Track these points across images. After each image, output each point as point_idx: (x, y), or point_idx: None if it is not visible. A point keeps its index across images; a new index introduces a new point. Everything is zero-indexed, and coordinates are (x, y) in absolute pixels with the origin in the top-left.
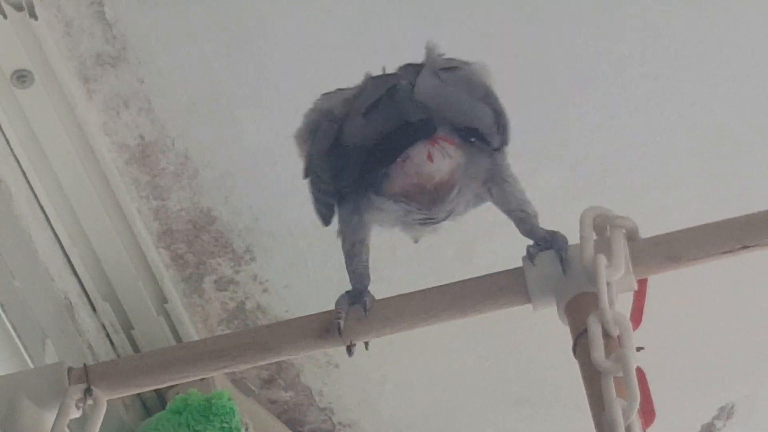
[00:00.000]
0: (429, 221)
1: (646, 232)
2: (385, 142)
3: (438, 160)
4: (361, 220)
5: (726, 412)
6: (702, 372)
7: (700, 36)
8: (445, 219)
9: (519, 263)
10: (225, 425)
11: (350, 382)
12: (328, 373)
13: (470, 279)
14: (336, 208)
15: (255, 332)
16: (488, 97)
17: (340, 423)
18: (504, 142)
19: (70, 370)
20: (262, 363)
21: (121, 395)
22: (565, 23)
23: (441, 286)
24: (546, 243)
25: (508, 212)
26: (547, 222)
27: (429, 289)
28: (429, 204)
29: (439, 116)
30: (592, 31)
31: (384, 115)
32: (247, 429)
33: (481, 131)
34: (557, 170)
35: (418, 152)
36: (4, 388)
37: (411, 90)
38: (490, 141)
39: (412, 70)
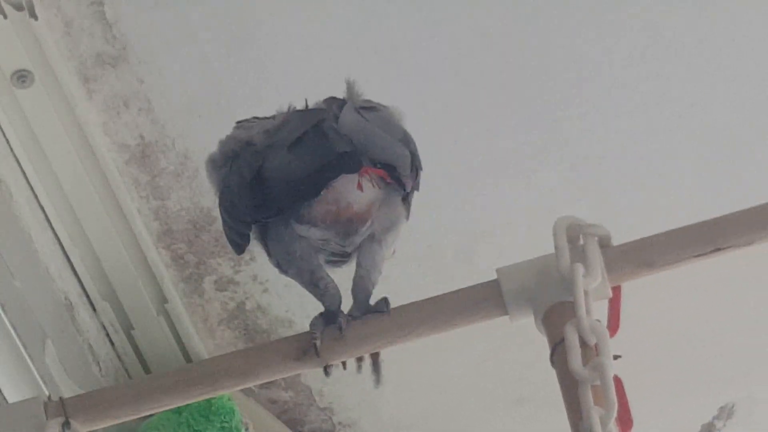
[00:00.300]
0: (340, 259)
1: (646, 233)
2: (313, 175)
3: (367, 189)
4: (301, 246)
5: (726, 412)
6: (702, 372)
7: (700, 36)
8: (351, 259)
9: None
10: (225, 425)
11: (350, 382)
12: None
13: (446, 293)
14: (257, 240)
15: (232, 358)
16: (406, 139)
17: (340, 423)
18: (415, 187)
19: (46, 404)
20: (241, 387)
21: (98, 427)
22: (565, 23)
23: (417, 302)
24: (368, 309)
25: (360, 266)
26: (546, 221)
27: (405, 306)
28: (345, 234)
29: (361, 151)
30: (592, 31)
31: (311, 149)
32: (247, 429)
33: (399, 170)
34: (557, 170)
35: (347, 181)
36: None
37: (335, 122)
38: (404, 183)
39: (334, 104)
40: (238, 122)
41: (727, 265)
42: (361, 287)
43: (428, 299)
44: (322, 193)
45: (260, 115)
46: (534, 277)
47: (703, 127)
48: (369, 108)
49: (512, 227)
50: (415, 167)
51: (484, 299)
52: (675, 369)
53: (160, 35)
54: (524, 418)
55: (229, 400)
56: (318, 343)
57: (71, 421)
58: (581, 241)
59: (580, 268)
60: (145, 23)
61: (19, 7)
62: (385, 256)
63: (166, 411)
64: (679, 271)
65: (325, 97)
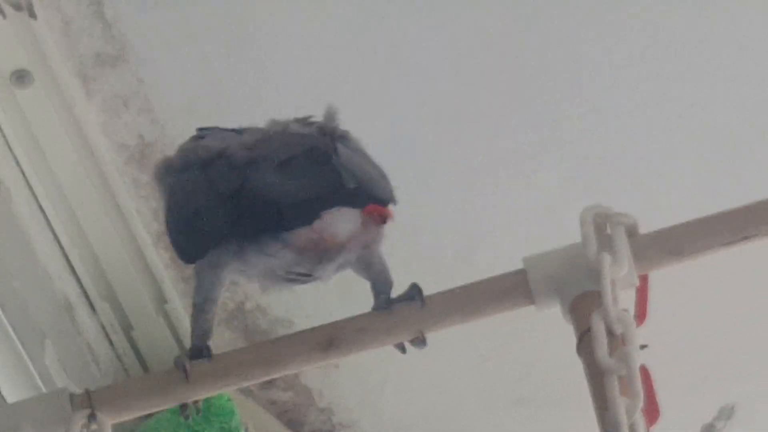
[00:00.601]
0: (304, 278)
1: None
2: (310, 201)
3: (370, 228)
4: (225, 272)
5: (726, 413)
6: (703, 372)
7: (700, 36)
8: (315, 280)
9: (518, 263)
10: (224, 426)
11: (350, 382)
12: (327, 373)
13: (473, 282)
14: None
15: (258, 349)
16: (384, 172)
17: (339, 423)
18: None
19: (72, 396)
20: (270, 378)
21: (125, 418)
22: (565, 23)
23: (445, 291)
24: (392, 300)
25: (371, 270)
26: (546, 221)
27: (434, 295)
28: (317, 261)
29: (362, 184)
30: (592, 31)
31: (311, 175)
32: (246, 429)
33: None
34: (557, 170)
35: (342, 213)
36: (7, 417)
37: (337, 155)
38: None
39: (326, 132)
40: (201, 129)
41: (727, 267)
42: (384, 285)
43: (456, 288)
44: (318, 221)
45: (260, 114)
46: (561, 266)
47: (703, 127)
48: (345, 138)
49: (512, 227)
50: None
51: (511, 288)
52: (675, 369)
53: (160, 35)
54: (525, 419)
55: (228, 400)
56: (188, 367)
57: (97, 413)
58: (608, 230)
59: (607, 257)
60: (144, 23)
61: (18, 7)
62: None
63: (166, 411)
64: (677, 270)
65: (302, 116)
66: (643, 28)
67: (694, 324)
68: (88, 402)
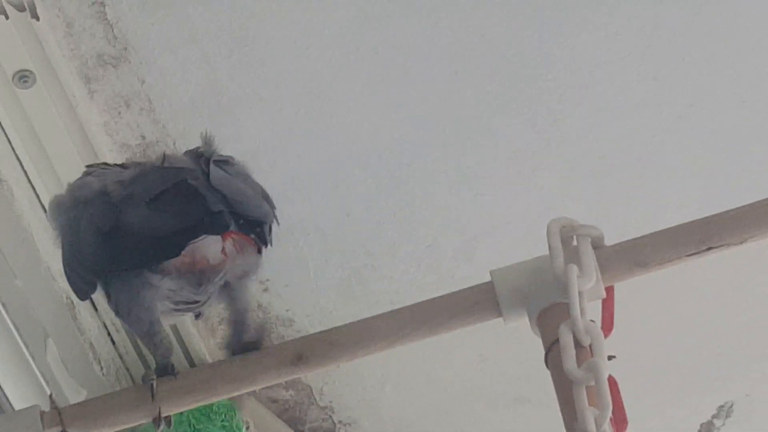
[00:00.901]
0: (193, 305)
1: (646, 232)
2: (176, 233)
3: (230, 253)
4: (149, 296)
5: (725, 411)
6: (701, 371)
7: (700, 36)
8: (203, 306)
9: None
10: (225, 424)
11: (351, 381)
12: (328, 371)
13: (439, 296)
14: (101, 288)
15: (228, 364)
16: (265, 194)
17: (340, 422)
18: (270, 242)
19: (43, 414)
20: (238, 394)
21: None
22: (565, 23)
23: (410, 305)
24: (244, 345)
25: (234, 306)
26: (546, 221)
27: (400, 309)
28: (198, 284)
29: (235, 209)
30: (592, 31)
31: (176, 207)
32: (247, 428)
33: (264, 227)
34: (557, 170)
35: (210, 240)
36: None
37: (207, 179)
38: (266, 239)
39: (198, 159)
40: (89, 167)
41: (726, 264)
42: (240, 324)
43: (422, 302)
44: (187, 248)
45: (261, 115)
46: (528, 278)
47: (703, 127)
48: (226, 162)
49: (512, 227)
50: (276, 221)
51: (478, 301)
52: (674, 368)
53: (162, 35)
54: (524, 417)
55: (229, 398)
56: (154, 384)
57: (68, 430)
58: (575, 242)
59: (574, 269)
60: (146, 23)
61: (20, 8)
62: (252, 292)
63: None
64: (677, 269)
65: (193, 148)
66: (643, 28)
67: (692, 322)
68: (59, 419)
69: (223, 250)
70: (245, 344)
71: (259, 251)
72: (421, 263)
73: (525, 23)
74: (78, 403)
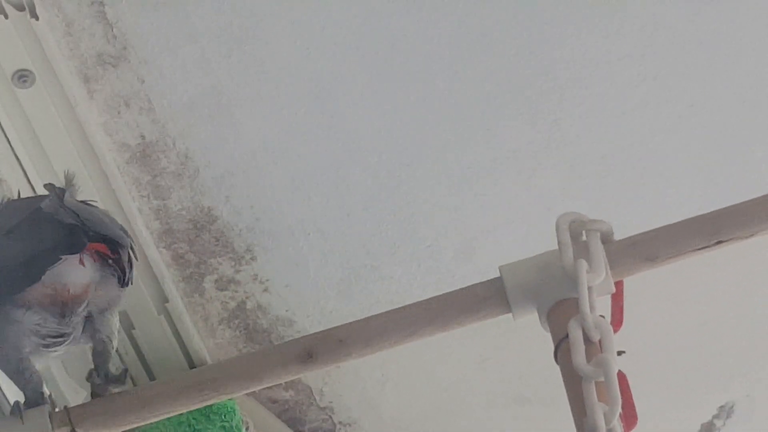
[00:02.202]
0: (60, 339)
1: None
2: (33, 259)
3: (88, 265)
4: (14, 332)
5: (726, 411)
6: (702, 371)
7: (700, 36)
8: (71, 340)
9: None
10: (225, 424)
11: (351, 381)
12: (328, 372)
13: (449, 292)
14: None
15: (235, 362)
16: (125, 230)
17: (340, 422)
18: (130, 281)
19: (51, 414)
20: (246, 392)
21: None
22: (565, 23)
23: (420, 301)
24: (108, 379)
25: (96, 337)
26: (546, 221)
27: (409, 306)
28: (61, 315)
29: (87, 226)
30: (592, 31)
31: (32, 231)
32: (247, 428)
33: (120, 246)
34: (557, 170)
35: (67, 264)
36: None
37: (62, 198)
38: (124, 265)
39: (54, 189)
40: None
41: (727, 263)
42: (104, 355)
43: (430, 299)
44: (46, 274)
45: (261, 114)
46: (537, 273)
47: (703, 127)
48: (86, 202)
49: (512, 226)
50: (132, 262)
51: (487, 297)
52: (674, 368)
53: (161, 35)
54: (525, 418)
55: (229, 399)
56: (22, 413)
57: (77, 430)
58: (584, 237)
59: (583, 264)
60: (145, 23)
61: (20, 7)
62: (116, 320)
63: None
64: (678, 268)
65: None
66: (643, 28)
67: (693, 322)
68: (68, 419)
69: (80, 261)
70: (109, 378)
71: (121, 284)
72: (422, 263)
73: (526, 23)
74: (87, 403)
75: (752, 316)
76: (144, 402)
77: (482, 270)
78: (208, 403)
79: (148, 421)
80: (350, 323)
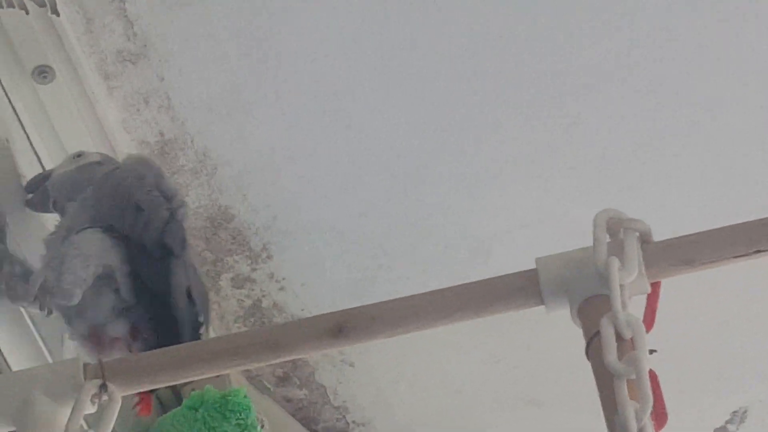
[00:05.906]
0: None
1: (662, 237)
2: None
3: None
4: None
5: (739, 416)
6: (715, 376)
7: (700, 36)
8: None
9: (532, 265)
10: (241, 422)
11: (365, 380)
12: (342, 371)
13: (483, 279)
14: None
15: (270, 330)
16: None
17: (354, 422)
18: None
19: (85, 365)
20: (277, 361)
21: (135, 391)
22: (565, 23)
23: (454, 286)
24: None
25: None
26: (560, 224)
27: (443, 290)
28: None
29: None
30: (592, 30)
31: None
32: (262, 426)
33: None
34: (571, 173)
35: None
36: (19, 383)
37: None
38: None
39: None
40: None
41: (741, 269)
42: None
43: (465, 284)
44: None
45: (279, 113)
46: (572, 268)
47: (704, 128)
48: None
49: (528, 229)
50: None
51: (522, 287)
52: (688, 372)
53: (181, 33)
54: (537, 419)
55: (245, 397)
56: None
57: (108, 384)
58: (621, 235)
59: (615, 262)
60: (165, 21)
61: (41, 3)
62: None
63: (182, 408)
64: (692, 274)
65: None
66: (643, 28)
67: (706, 327)
68: (101, 372)
69: None
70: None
71: None
72: (437, 264)
73: (540, 27)
74: (121, 358)
75: (766, 320)
76: (177, 362)
77: (497, 272)
78: (239, 368)
79: (180, 381)
80: (384, 302)
